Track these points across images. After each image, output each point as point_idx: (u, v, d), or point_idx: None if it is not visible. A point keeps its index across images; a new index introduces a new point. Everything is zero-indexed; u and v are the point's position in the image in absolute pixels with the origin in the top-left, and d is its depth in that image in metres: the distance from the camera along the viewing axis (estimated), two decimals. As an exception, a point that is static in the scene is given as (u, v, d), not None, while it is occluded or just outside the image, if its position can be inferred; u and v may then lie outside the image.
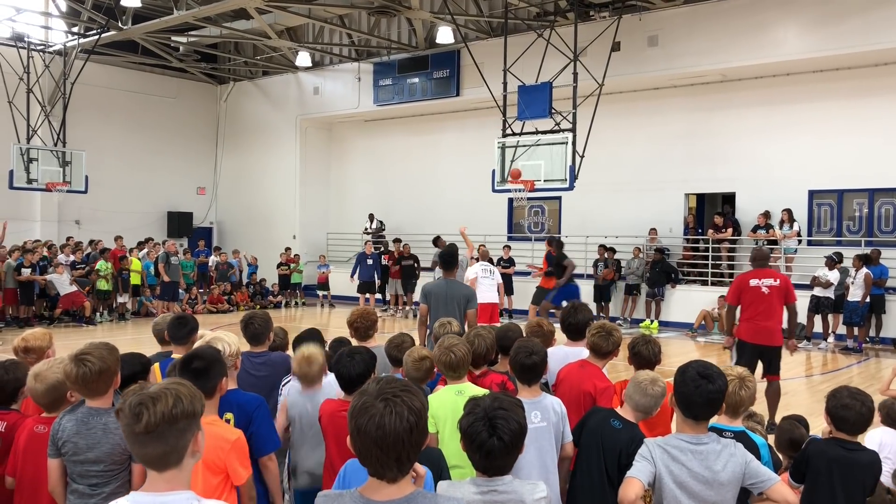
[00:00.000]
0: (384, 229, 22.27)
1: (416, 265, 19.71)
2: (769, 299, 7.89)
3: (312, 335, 5.01)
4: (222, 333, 4.08)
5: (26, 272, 16.32)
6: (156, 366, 4.64)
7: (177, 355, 4.70)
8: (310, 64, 22.57)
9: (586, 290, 16.99)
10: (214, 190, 25.79)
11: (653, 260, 17.21)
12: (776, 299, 7.91)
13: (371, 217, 22.28)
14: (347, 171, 24.38)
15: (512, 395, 4.29)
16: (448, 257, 7.88)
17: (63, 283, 16.61)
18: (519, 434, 2.61)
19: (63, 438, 3.38)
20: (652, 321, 17.16)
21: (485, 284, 11.99)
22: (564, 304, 13.57)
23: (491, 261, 14.42)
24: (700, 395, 3.06)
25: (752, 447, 3.51)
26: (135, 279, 18.30)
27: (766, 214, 16.29)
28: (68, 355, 3.50)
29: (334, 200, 24.58)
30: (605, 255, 17.59)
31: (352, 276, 19.81)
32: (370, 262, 19.66)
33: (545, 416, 3.81)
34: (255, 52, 23.89)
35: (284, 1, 17.33)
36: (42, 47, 20.68)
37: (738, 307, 8.13)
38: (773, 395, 8.00)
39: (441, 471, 3.34)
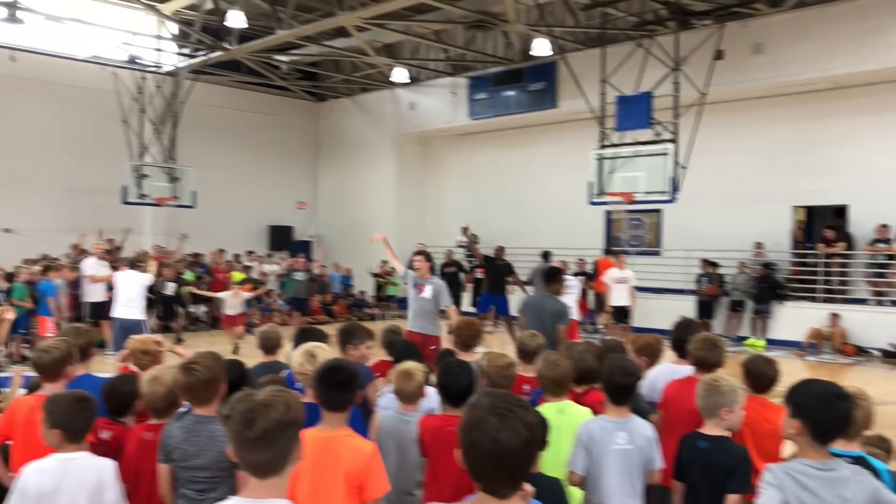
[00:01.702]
0: (477, 242, 22.20)
1: (459, 272, 18.98)
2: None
3: (409, 348, 4.98)
4: (317, 345, 4.11)
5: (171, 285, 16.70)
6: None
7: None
8: (406, 80, 22.86)
9: (688, 306, 16.51)
10: (314, 204, 26.42)
11: (759, 275, 16.52)
12: None
13: (464, 230, 22.27)
14: (442, 185, 24.53)
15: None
16: (548, 272, 8.26)
17: (235, 304, 14.57)
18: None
19: (172, 445, 3.46)
20: (758, 339, 16.47)
21: (565, 299, 11.96)
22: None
23: (576, 274, 14.37)
24: (835, 418, 2.84)
25: (874, 474, 3.25)
26: None
27: (886, 227, 15.42)
28: (177, 364, 3.59)
29: (429, 214, 24.76)
30: (709, 270, 17.01)
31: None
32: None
33: (632, 438, 3.66)
34: (354, 70, 24.38)
35: (383, 18, 17.60)
36: (154, 69, 21.69)
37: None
38: None
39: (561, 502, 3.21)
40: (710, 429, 3.75)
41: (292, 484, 2.93)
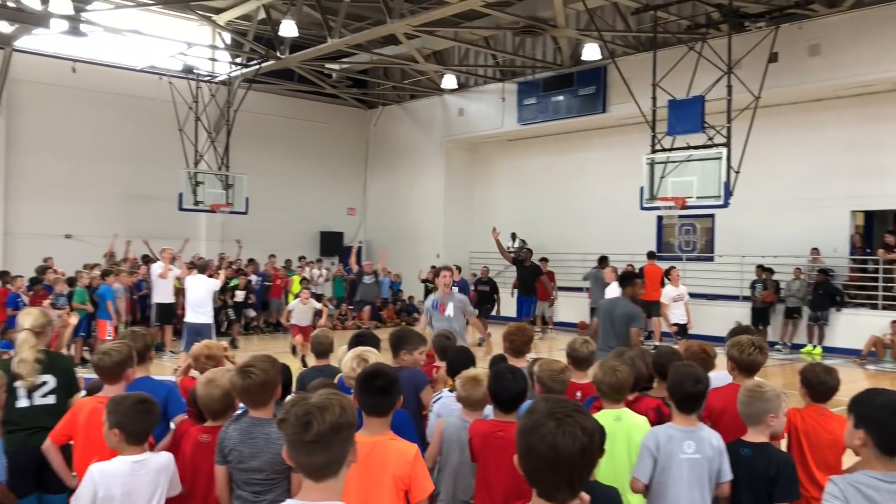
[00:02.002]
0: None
1: (493, 293, 18.19)
2: None
3: (464, 353, 4.98)
4: (368, 349, 4.14)
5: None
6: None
7: None
8: (455, 86, 22.92)
9: (743, 313, 16.21)
10: (363, 210, 26.65)
11: (816, 281, 16.13)
12: None
13: (513, 236, 22.25)
14: (490, 191, 24.52)
15: (667, 421, 4.10)
16: (623, 276, 8.54)
17: (305, 313, 13.58)
18: None
19: (229, 447, 3.52)
20: (815, 346, 16.08)
21: None
22: None
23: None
24: None
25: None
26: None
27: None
28: (234, 367, 3.66)
29: (477, 220, 24.75)
30: (764, 276, 16.67)
31: None
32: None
33: (700, 447, 3.57)
34: (403, 77, 24.54)
35: (432, 25, 17.70)
36: (209, 78, 22.14)
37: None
38: None
39: None
40: (754, 436, 3.68)
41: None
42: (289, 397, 2.33)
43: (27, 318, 4.59)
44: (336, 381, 4.77)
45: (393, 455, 3.21)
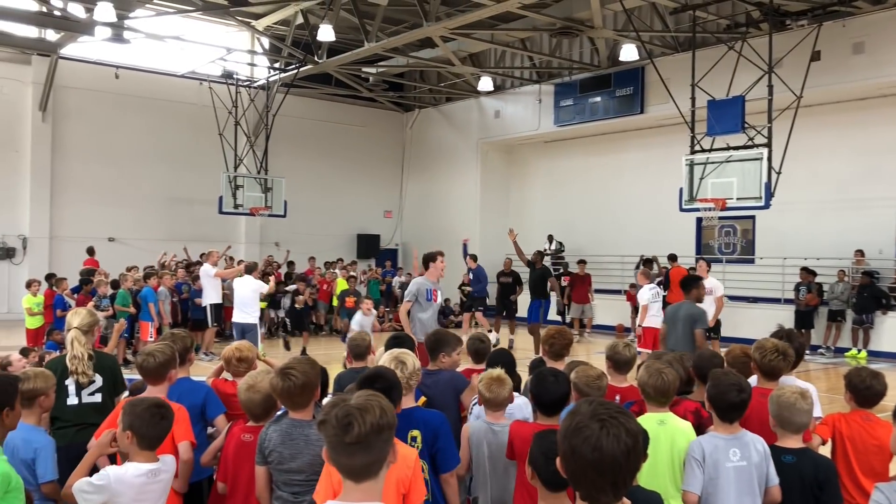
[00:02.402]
0: (563, 250, 22.08)
1: (516, 284, 17.13)
2: None
3: (503, 356, 4.98)
4: (405, 351, 4.15)
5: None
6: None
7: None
8: (491, 88, 22.91)
9: (786, 316, 15.94)
10: (400, 213, 26.76)
11: (860, 284, 15.80)
12: None
13: (550, 238, 22.17)
14: (527, 193, 24.45)
15: (706, 423, 4.05)
16: (686, 280, 8.62)
17: (367, 324, 12.59)
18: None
19: (269, 448, 3.56)
20: (859, 350, 15.75)
21: (653, 309, 11.83)
22: None
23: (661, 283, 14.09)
24: None
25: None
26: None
27: None
28: (270, 368, 3.70)
29: (514, 222, 24.59)
30: (807, 279, 16.34)
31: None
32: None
33: (745, 454, 3.52)
34: (440, 80, 24.60)
35: (468, 28, 17.72)
36: (248, 83, 22.43)
37: None
38: None
39: None
40: (793, 442, 3.63)
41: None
42: (327, 399, 2.34)
43: (76, 317, 4.75)
44: None
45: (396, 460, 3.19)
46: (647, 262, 17.04)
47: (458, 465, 3.80)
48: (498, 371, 4.20)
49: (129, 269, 14.98)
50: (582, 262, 19.22)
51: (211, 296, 14.30)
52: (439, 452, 3.71)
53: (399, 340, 4.98)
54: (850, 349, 15.91)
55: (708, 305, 11.88)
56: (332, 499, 2.98)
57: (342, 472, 2.20)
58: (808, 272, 16.38)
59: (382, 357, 4.15)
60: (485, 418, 4.14)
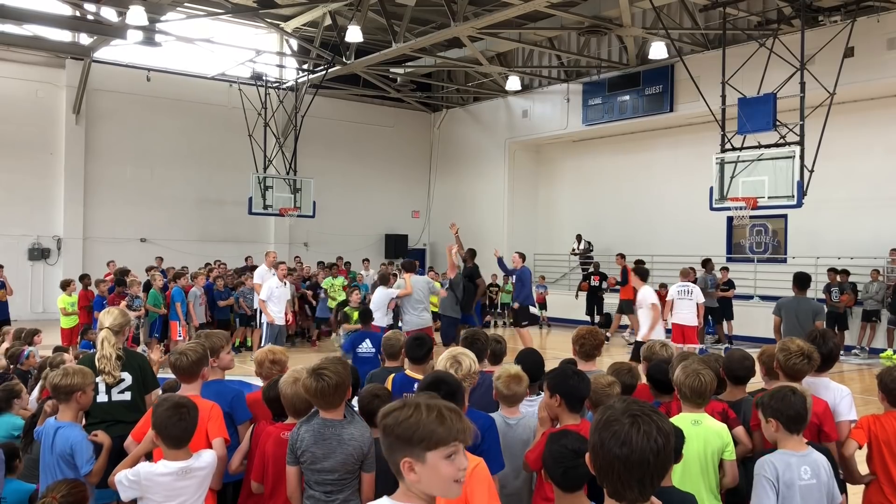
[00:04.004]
0: (592, 250, 21.97)
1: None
2: None
3: (532, 355, 4.95)
4: (463, 351, 4.16)
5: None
6: (389, 378, 4.87)
7: (411, 373, 4.88)
8: (519, 88, 22.87)
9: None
10: (427, 213, 26.80)
11: (895, 283, 15.55)
12: None
13: (579, 238, 22.07)
14: (555, 192, 24.37)
15: (733, 425, 4.01)
16: (801, 277, 9.30)
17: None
18: None
19: (301, 448, 3.58)
20: (895, 351, 15.49)
21: (679, 306, 12.06)
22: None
23: (695, 281, 13.81)
24: None
25: None
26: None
27: None
28: (306, 369, 3.72)
29: (542, 221, 24.64)
30: (841, 280, 16.07)
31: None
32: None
33: (815, 472, 3.42)
34: (467, 80, 24.61)
35: (496, 27, 17.69)
36: (277, 84, 22.61)
37: None
38: None
39: None
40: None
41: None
42: (392, 402, 2.37)
43: (108, 317, 4.83)
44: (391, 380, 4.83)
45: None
46: (705, 264, 16.82)
47: (500, 471, 3.80)
48: (516, 368, 4.23)
49: (148, 270, 15.09)
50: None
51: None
52: (484, 455, 3.72)
53: (473, 337, 4.99)
54: (885, 350, 15.64)
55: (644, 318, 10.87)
56: None
57: (398, 472, 2.21)
58: (835, 272, 16.05)
59: (442, 355, 4.17)
60: (500, 411, 4.19)
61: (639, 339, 10.75)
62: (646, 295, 10.70)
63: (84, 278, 14.42)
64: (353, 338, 8.74)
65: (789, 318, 8.86)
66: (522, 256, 14.75)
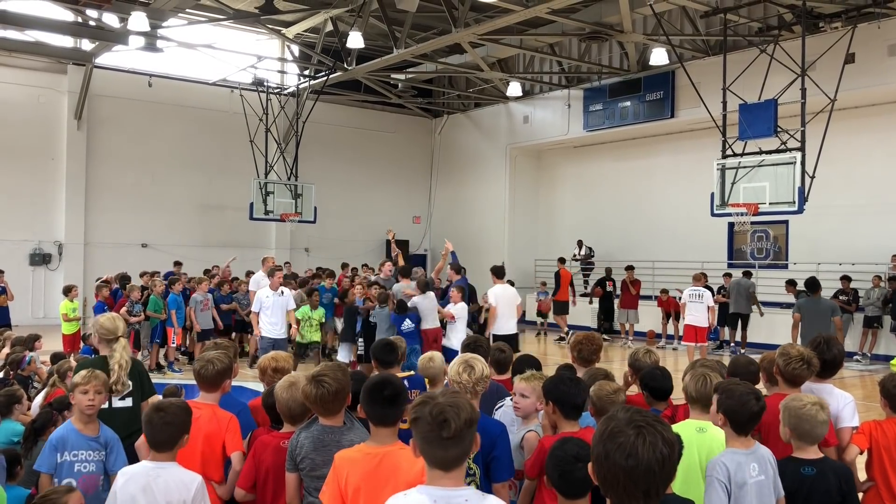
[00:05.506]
0: (593, 255, 21.94)
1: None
2: None
3: (529, 361, 4.95)
4: (475, 356, 4.14)
5: None
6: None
7: None
8: (520, 93, 22.89)
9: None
10: (428, 218, 26.80)
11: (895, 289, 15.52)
12: None
13: (580, 243, 22.05)
14: (556, 198, 24.37)
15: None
16: (812, 282, 10.65)
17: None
18: None
19: (301, 454, 3.57)
20: (897, 358, 15.45)
21: (691, 308, 13.43)
22: None
23: (709, 287, 14.30)
24: None
25: None
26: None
27: None
28: (304, 376, 3.70)
29: (543, 227, 24.63)
30: (844, 287, 16.02)
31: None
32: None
33: (762, 468, 3.38)
34: (468, 85, 24.63)
35: (497, 33, 17.71)
36: (278, 90, 22.64)
37: None
38: None
39: None
40: (811, 453, 3.55)
41: (355, 500, 3.03)
42: (416, 399, 2.49)
43: (118, 323, 4.82)
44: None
45: (404, 464, 3.16)
46: (747, 274, 17.00)
47: (511, 477, 3.79)
48: (533, 373, 4.24)
49: (142, 276, 15.02)
50: (630, 269, 18.79)
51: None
52: (494, 461, 3.71)
53: (476, 344, 5.02)
54: (893, 357, 15.58)
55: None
56: (341, 501, 3.04)
57: (434, 464, 2.37)
58: (848, 280, 15.93)
59: (454, 361, 4.16)
60: (512, 418, 4.19)
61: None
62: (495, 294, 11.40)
63: (124, 280, 14.29)
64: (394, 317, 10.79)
65: (808, 316, 10.04)
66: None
